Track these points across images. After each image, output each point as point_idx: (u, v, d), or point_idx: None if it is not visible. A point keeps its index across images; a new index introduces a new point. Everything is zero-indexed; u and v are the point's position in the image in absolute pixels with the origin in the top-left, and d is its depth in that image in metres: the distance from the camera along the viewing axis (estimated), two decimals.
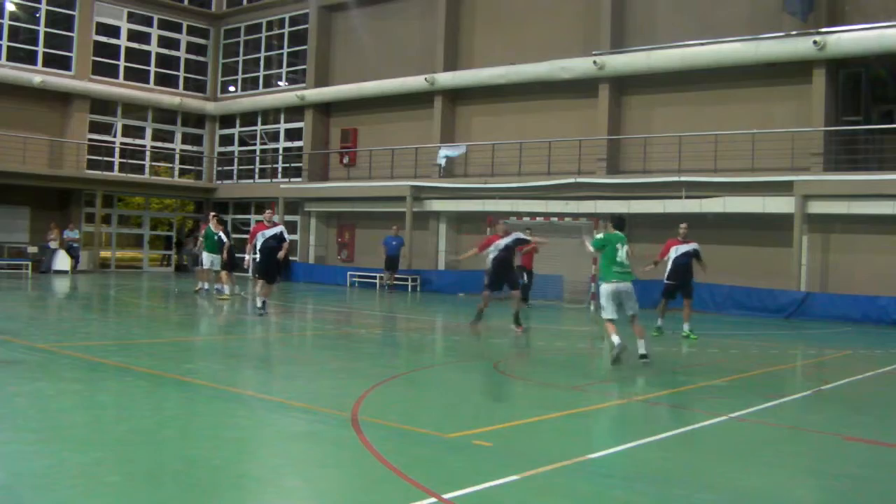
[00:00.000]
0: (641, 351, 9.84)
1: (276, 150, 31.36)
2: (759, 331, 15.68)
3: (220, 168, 32.94)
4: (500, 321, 14.50)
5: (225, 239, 18.71)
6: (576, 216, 21.27)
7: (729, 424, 6.92)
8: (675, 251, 13.61)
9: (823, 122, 19.07)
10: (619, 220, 10.55)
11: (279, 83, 31.45)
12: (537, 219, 21.37)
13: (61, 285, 22.36)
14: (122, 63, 30.38)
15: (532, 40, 23.91)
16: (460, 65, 25.86)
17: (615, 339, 9.73)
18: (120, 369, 8.59)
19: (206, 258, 18.91)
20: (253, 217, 30.83)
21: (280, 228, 14.97)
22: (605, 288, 10.00)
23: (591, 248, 10.66)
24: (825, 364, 11.74)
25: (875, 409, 8.34)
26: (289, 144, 30.82)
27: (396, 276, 23.98)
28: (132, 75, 30.63)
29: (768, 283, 19.13)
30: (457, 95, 26.01)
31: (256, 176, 31.73)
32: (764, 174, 19.30)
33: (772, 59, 19.58)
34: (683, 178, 20.14)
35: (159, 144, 32.14)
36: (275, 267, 14.92)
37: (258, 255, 15.03)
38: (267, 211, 15.46)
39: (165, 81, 31.66)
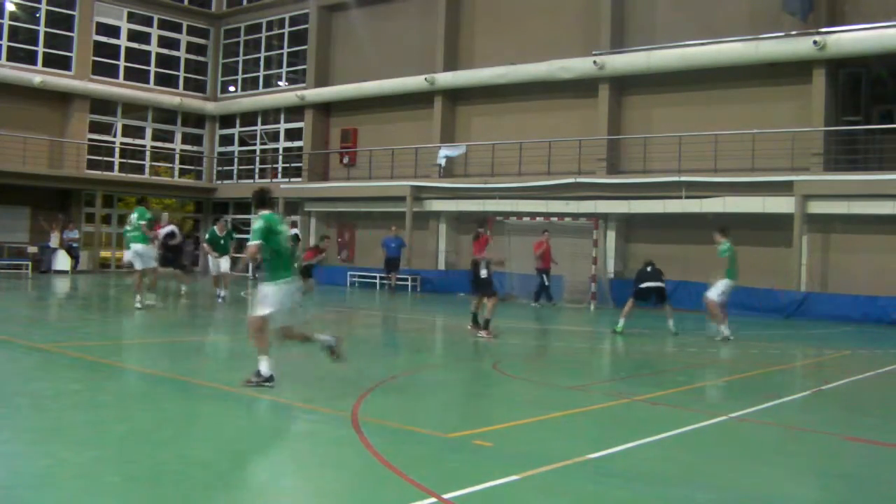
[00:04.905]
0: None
1: (276, 150, 31.37)
2: (759, 331, 15.69)
3: (220, 168, 32.94)
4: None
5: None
6: (576, 216, 21.28)
7: (729, 424, 6.92)
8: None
9: (823, 122, 19.07)
10: (260, 196, 8.02)
11: (279, 83, 31.45)
12: (537, 219, 21.37)
13: (61, 285, 22.36)
14: (122, 63, 30.38)
15: (532, 40, 23.91)
16: (460, 65, 25.86)
17: (324, 337, 8.16)
18: (120, 369, 8.59)
19: (213, 264, 17.83)
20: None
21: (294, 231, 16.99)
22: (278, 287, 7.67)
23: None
24: (825, 364, 11.74)
25: (875, 409, 8.34)
26: (289, 144, 30.83)
27: (398, 276, 23.95)
28: (132, 75, 30.62)
29: (768, 283, 19.12)
30: (457, 95, 26.01)
31: (256, 176, 31.73)
32: (764, 174, 19.29)
33: (772, 59, 19.58)
34: (683, 178, 20.13)
35: (159, 144, 32.14)
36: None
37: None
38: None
39: (165, 81, 31.65)
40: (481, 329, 12.54)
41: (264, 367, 7.60)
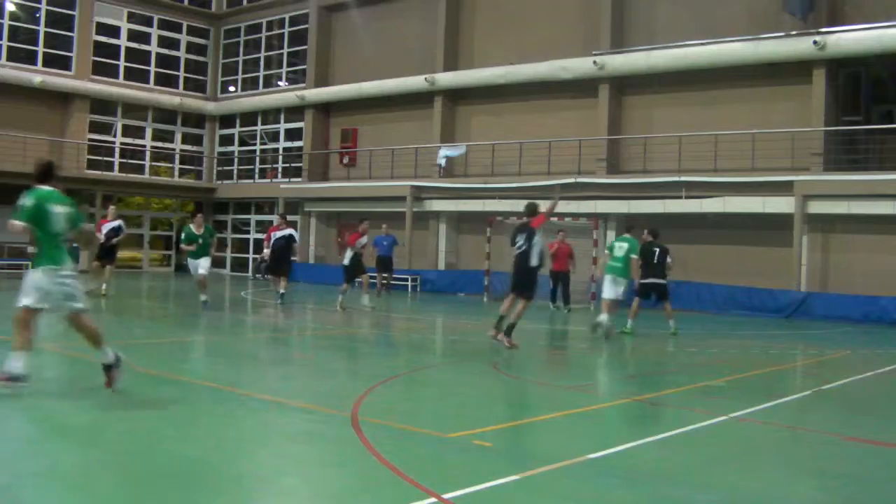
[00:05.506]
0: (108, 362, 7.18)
1: (276, 150, 31.38)
2: (759, 331, 15.68)
3: (220, 168, 32.96)
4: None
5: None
6: (576, 216, 21.27)
7: (729, 424, 6.91)
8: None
9: (823, 122, 19.08)
10: (45, 168, 6.98)
11: (279, 83, 31.48)
12: None
13: None
14: (122, 63, 30.41)
15: (532, 40, 23.91)
16: (460, 65, 25.87)
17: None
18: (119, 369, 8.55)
19: (193, 264, 16.12)
20: (253, 217, 30.92)
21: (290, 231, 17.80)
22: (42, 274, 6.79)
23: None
24: (825, 364, 11.74)
25: (875, 409, 8.34)
26: (289, 144, 30.84)
27: (393, 276, 23.84)
28: (132, 75, 30.66)
29: (768, 283, 19.13)
30: (457, 95, 26.01)
31: (256, 176, 31.76)
32: (764, 174, 19.30)
33: (772, 60, 19.59)
34: (683, 178, 20.14)
35: (159, 144, 32.17)
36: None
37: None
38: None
39: (165, 81, 31.68)
40: (503, 334, 10.70)
41: (17, 364, 6.63)
